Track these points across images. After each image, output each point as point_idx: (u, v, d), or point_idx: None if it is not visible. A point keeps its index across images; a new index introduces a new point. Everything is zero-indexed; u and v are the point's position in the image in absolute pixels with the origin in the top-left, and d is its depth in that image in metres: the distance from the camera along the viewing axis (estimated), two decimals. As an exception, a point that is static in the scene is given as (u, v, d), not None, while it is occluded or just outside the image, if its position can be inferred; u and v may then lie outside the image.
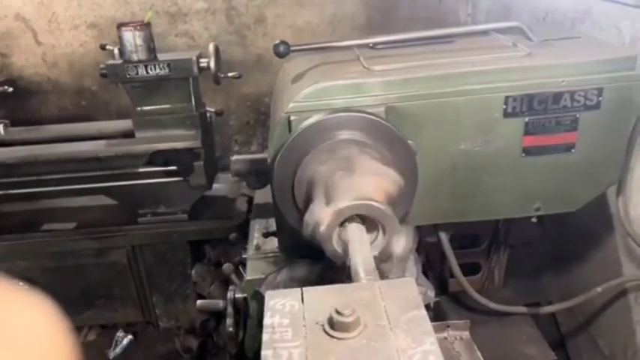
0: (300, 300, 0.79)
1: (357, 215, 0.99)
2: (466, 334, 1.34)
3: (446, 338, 1.34)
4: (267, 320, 0.75)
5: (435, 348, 0.69)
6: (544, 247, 1.95)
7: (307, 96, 1.26)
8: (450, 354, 1.28)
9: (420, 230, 1.55)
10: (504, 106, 1.29)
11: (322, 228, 0.97)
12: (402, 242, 1.11)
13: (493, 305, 1.67)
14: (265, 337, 0.73)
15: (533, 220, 1.46)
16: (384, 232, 1.00)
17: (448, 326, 1.34)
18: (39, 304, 0.53)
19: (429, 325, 0.74)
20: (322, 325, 0.73)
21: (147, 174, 2.22)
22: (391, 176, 1.05)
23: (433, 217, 1.43)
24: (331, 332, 0.72)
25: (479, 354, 1.28)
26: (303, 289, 0.81)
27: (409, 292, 0.80)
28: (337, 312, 0.72)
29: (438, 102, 1.28)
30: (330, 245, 0.99)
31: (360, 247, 0.94)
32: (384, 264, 1.03)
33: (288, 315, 0.76)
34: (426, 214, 1.40)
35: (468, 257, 1.89)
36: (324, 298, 0.78)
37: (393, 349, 0.69)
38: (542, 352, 1.82)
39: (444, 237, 1.54)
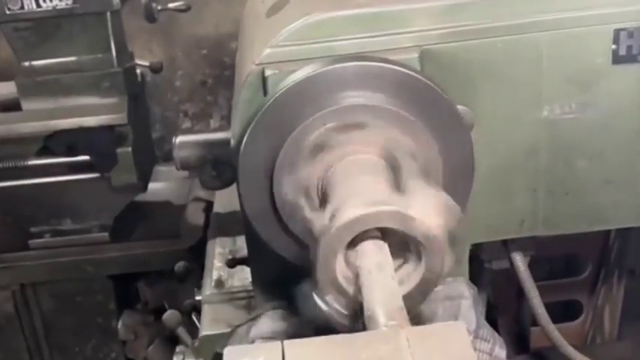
0: (281, 359, 0.80)
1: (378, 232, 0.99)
2: None
3: None
4: None
5: None
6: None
7: (292, 36, 1.25)
8: None
9: (481, 252, 1.54)
10: (614, 46, 1.28)
11: (321, 245, 0.96)
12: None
13: (602, 369, 1.67)
14: None
15: (666, 230, 1.45)
16: (420, 258, 0.99)
17: None
18: None
19: None
20: None
21: (41, 169, 2.23)
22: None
23: (501, 229, 1.43)
24: None
25: None
26: (285, 343, 0.82)
27: (457, 344, 0.80)
28: None
29: (504, 41, 1.27)
30: (331, 271, 0.98)
31: (378, 273, 0.94)
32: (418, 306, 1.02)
33: None
34: (489, 225, 1.39)
35: (561, 292, 1.90)
36: (317, 355, 0.79)
37: None
38: None
39: (520, 261, 1.54)
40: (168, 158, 2.61)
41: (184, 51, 2.91)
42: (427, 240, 0.98)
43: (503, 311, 1.90)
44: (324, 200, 1.08)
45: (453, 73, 1.26)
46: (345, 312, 0.99)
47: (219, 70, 2.95)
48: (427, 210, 0.99)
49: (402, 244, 1.01)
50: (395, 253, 1.01)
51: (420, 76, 1.20)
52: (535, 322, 1.72)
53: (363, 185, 1.05)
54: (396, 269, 1.00)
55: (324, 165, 1.12)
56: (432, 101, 1.19)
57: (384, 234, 1.00)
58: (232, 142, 1.31)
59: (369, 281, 0.94)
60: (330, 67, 1.19)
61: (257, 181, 1.20)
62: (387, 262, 0.97)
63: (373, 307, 0.89)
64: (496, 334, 1.47)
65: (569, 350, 1.66)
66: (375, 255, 0.98)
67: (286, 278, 1.28)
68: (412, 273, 1.01)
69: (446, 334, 0.82)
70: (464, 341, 0.81)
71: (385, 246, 1.00)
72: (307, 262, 1.19)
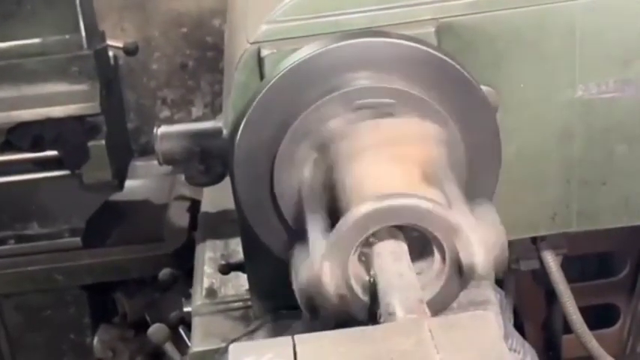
0: (292, 356, 0.80)
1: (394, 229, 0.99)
2: None
3: None
4: None
5: None
6: None
7: (294, 10, 1.25)
8: None
9: (509, 250, 1.54)
10: (657, 16, 1.28)
11: (338, 233, 0.96)
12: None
13: (644, 381, 1.68)
14: None
15: None
16: (444, 258, 0.99)
17: None
18: None
19: None
20: None
21: (3, 166, 2.23)
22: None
23: (531, 224, 1.43)
24: None
25: None
26: (297, 337, 0.83)
27: (484, 334, 0.81)
28: None
29: (532, 12, 1.27)
30: (343, 272, 0.98)
31: (393, 262, 0.96)
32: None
33: None
34: (517, 220, 1.39)
35: (597, 295, 1.90)
36: (332, 351, 0.80)
37: None
38: None
39: (551, 260, 1.55)
40: (145, 152, 2.62)
41: (161, 30, 2.91)
42: (467, 268, 0.98)
43: (531, 318, 1.91)
44: (333, 196, 1.08)
45: (475, 50, 1.27)
46: (359, 315, 1.01)
47: (202, 51, 2.96)
48: (476, 231, 0.99)
49: (424, 244, 1.01)
50: (414, 254, 1.01)
51: (438, 53, 1.20)
52: (568, 330, 1.73)
53: (384, 176, 1.05)
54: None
55: (335, 158, 1.12)
56: (452, 81, 1.19)
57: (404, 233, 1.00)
58: (225, 131, 1.31)
59: (383, 271, 0.95)
60: (336, 44, 1.18)
61: (255, 176, 1.20)
62: (403, 250, 0.98)
63: (390, 299, 0.91)
64: (526, 344, 1.48)
65: (608, 359, 1.66)
66: (390, 245, 0.99)
67: (288, 285, 1.28)
68: (434, 278, 1.01)
69: (473, 325, 0.83)
70: (493, 332, 0.82)
71: (403, 245, 1.00)
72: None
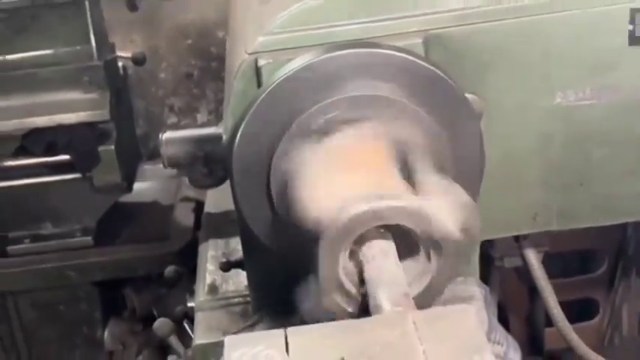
0: (284, 347, 0.81)
1: (382, 228, 0.99)
2: None
3: None
4: None
5: None
6: None
7: (288, 23, 1.25)
8: None
9: (492, 249, 1.54)
10: (630, 27, 1.28)
11: (332, 229, 0.96)
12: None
13: (622, 371, 1.68)
14: None
15: (687, 222, 1.45)
16: (429, 257, 1.00)
17: None
18: None
19: None
20: None
21: (19, 170, 2.22)
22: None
23: (514, 224, 1.43)
24: None
25: None
26: (288, 329, 0.83)
27: (465, 327, 0.82)
28: None
29: (514, 24, 1.27)
30: (334, 268, 0.98)
31: (381, 258, 0.96)
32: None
33: None
34: (500, 219, 1.40)
35: (576, 291, 1.90)
36: (322, 342, 0.81)
37: None
38: None
39: (533, 258, 1.55)
40: (153, 156, 2.61)
41: (168, 41, 2.91)
42: (444, 241, 0.98)
43: (514, 312, 1.91)
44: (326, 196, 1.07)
45: (460, 60, 1.26)
46: (350, 310, 1.00)
47: (206, 61, 2.95)
48: (442, 208, 0.99)
49: (410, 243, 1.01)
50: (402, 253, 1.00)
51: (425, 63, 1.20)
52: (549, 323, 1.73)
53: (369, 178, 1.04)
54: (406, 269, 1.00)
55: (326, 158, 1.12)
56: (438, 90, 1.19)
57: (391, 232, 1.00)
58: (225, 137, 1.30)
59: (372, 267, 0.96)
60: (329, 55, 1.18)
61: (253, 178, 1.20)
62: (390, 248, 0.98)
63: (377, 293, 0.91)
64: (510, 337, 1.47)
65: (587, 352, 1.66)
66: (378, 244, 0.99)
67: (285, 281, 1.28)
68: (421, 275, 1.01)
69: (454, 318, 0.84)
70: (473, 324, 0.82)
71: (392, 244, 1.00)
72: (307, 263, 1.19)
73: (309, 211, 1.05)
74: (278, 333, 0.83)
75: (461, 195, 1.03)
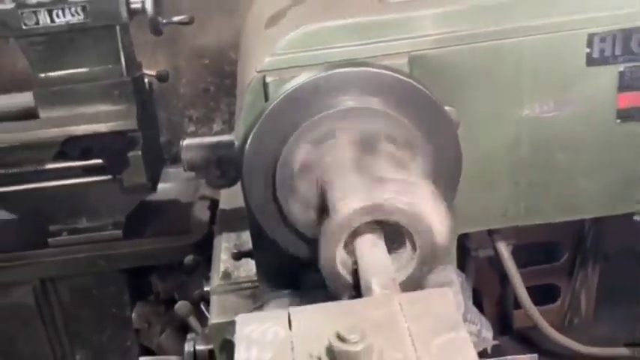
0: (287, 324, 0.82)
1: (373, 224, 1.00)
2: None
3: None
4: (240, 354, 0.79)
5: None
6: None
7: (291, 45, 1.25)
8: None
9: (468, 241, 1.53)
10: (588, 50, 1.28)
11: (332, 224, 0.97)
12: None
13: (580, 347, 1.67)
14: None
15: (637, 217, 1.45)
16: (414, 248, 1.00)
17: None
18: None
19: (472, 352, 0.77)
20: (319, 358, 0.76)
21: (58, 172, 2.22)
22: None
23: (487, 219, 1.43)
24: None
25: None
26: (291, 309, 0.84)
27: (443, 307, 0.83)
28: (340, 338, 0.74)
29: (487, 46, 1.27)
30: (331, 258, 0.99)
31: (371, 248, 0.97)
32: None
33: (271, 346, 0.79)
34: (476, 215, 1.39)
35: (541, 277, 1.89)
36: (320, 320, 0.81)
37: None
38: (654, 414, 1.82)
39: (503, 249, 1.54)
40: (175, 160, 2.61)
41: (188, 61, 2.91)
42: (420, 230, 0.98)
43: (487, 296, 1.90)
44: (323, 194, 1.09)
45: (440, 77, 1.26)
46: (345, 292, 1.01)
47: (220, 78, 2.95)
48: (427, 205, 0.99)
49: (398, 237, 1.01)
50: (390, 245, 1.01)
51: (410, 80, 1.20)
52: (517, 305, 1.74)
53: (363, 180, 1.04)
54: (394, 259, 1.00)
55: (321, 163, 1.13)
56: (421, 102, 1.19)
57: (382, 227, 1.00)
58: (236, 143, 1.30)
59: (364, 257, 0.96)
60: (326, 73, 1.19)
61: (260, 179, 1.20)
62: (379, 242, 0.99)
63: (368, 278, 0.92)
64: (483, 318, 1.48)
65: (550, 331, 1.66)
66: (369, 237, 0.99)
67: (288, 268, 1.28)
68: (406, 264, 1.02)
69: (433, 299, 0.85)
70: (450, 305, 0.84)
71: (381, 237, 1.01)
72: (307, 253, 1.19)
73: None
74: (282, 312, 0.84)
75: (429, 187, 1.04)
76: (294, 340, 0.79)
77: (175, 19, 2.20)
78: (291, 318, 0.83)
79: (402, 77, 1.19)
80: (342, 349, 0.73)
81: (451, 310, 0.82)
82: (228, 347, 1.46)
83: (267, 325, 0.82)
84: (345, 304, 0.87)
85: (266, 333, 0.81)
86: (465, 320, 1.34)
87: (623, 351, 1.78)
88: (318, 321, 0.81)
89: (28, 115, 2.24)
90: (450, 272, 1.38)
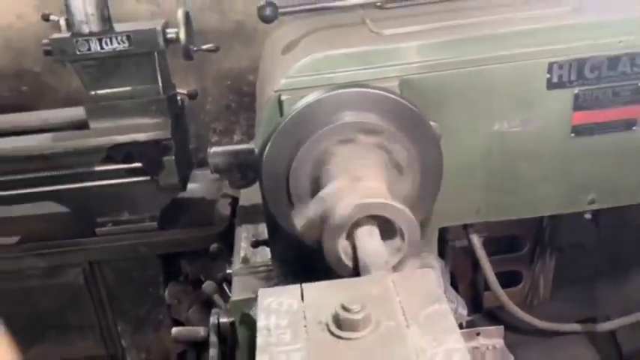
0: (300, 297, 0.83)
1: (370, 218, 1.00)
2: (500, 342, 1.41)
3: (476, 348, 1.40)
4: (261, 322, 0.80)
5: (460, 346, 0.72)
6: (600, 249, 1.94)
7: (302, 69, 1.25)
8: (481, 365, 1.32)
9: (447, 233, 1.54)
10: (548, 75, 1.28)
11: (337, 217, 0.98)
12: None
13: (539, 323, 1.67)
14: (260, 340, 0.76)
15: (587, 216, 1.46)
16: (403, 238, 1.01)
17: (478, 334, 1.41)
18: None
19: (452, 320, 0.77)
20: (326, 325, 0.77)
21: (105, 173, 2.21)
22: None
23: (462, 215, 1.43)
24: (337, 332, 0.75)
25: (516, 364, 1.31)
26: (303, 285, 0.85)
27: (428, 284, 0.84)
28: (344, 308, 0.75)
29: (464, 72, 1.27)
30: (335, 246, 0.99)
31: (369, 237, 0.97)
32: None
33: (286, 315, 0.80)
34: (453, 212, 1.39)
35: (507, 264, 1.89)
36: (327, 294, 0.82)
37: (411, 349, 0.73)
38: (600, 379, 1.82)
39: (476, 240, 1.54)
40: (202, 164, 2.60)
41: (213, 82, 2.90)
42: (405, 224, 0.99)
43: (462, 279, 1.90)
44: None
45: (425, 97, 1.27)
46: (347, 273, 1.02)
47: (240, 96, 2.94)
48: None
49: (390, 229, 1.02)
50: (384, 235, 1.02)
51: (400, 99, 1.20)
52: (487, 287, 1.73)
53: (362, 182, 1.05)
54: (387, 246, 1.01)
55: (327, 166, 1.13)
56: (409, 118, 1.20)
57: (377, 221, 1.01)
58: (256, 150, 1.30)
59: (362, 243, 0.97)
60: (331, 93, 1.19)
61: (276, 181, 1.21)
62: (375, 231, 1.00)
63: (365, 261, 0.93)
64: (459, 297, 1.47)
65: (514, 309, 1.66)
66: (366, 228, 1.00)
67: (298, 254, 1.28)
68: (397, 250, 1.03)
69: (419, 278, 0.86)
70: (433, 283, 0.85)
71: (375, 228, 1.01)
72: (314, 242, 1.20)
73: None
74: (296, 287, 0.85)
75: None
76: (306, 309, 0.80)
77: (204, 47, 2.19)
78: (304, 292, 0.84)
79: (394, 97, 1.20)
80: (346, 317, 0.75)
81: (434, 287, 0.83)
82: (247, 320, 1.46)
83: (284, 298, 0.83)
84: (347, 282, 0.88)
85: (282, 304, 0.82)
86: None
87: (574, 326, 1.78)
88: (325, 294, 0.82)
89: (80, 125, 2.24)
90: (431, 259, 1.37)
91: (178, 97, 2.33)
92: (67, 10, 2.07)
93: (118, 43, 2.08)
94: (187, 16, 2.10)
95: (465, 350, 0.72)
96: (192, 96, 2.38)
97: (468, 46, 1.27)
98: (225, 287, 1.82)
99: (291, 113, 1.18)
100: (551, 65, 1.28)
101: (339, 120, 1.17)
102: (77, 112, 2.26)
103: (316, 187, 1.13)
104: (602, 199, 1.40)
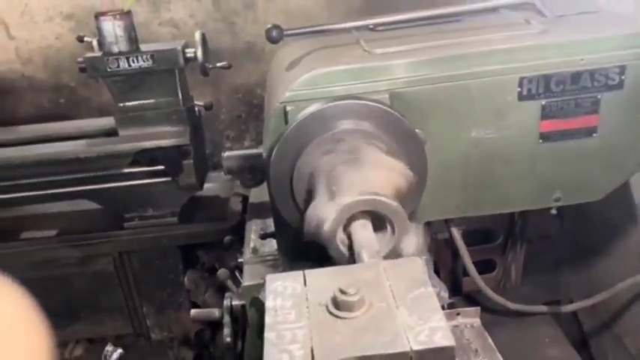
0: (303, 282, 0.83)
1: (364, 212, 0.99)
2: (477, 321, 1.42)
3: (456, 326, 1.41)
4: (269, 303, 0.80)
5: (443, 324, 0.72)
6: (564, 241, 1.94)
7: (304, 84, 1.25)
8: (460, 342, 1.34)
9: (430, 226, 1.54)
10: (519, 89, 1.28)
11: (326, 226, 0.97)
12: (412, 241, 1.12)
13: (511, 305, 1.67)
14: (268, 319, 0.77)
15: (553, 211, 1.46)
16: (393, 231, 1.00)
17: (458, 314, 1.41)
18: (15, 297, 0.53)
19: (436, 302, 0.77)
20: (326, 306, 0.77)
21: (132, 175, 2.21)
22: (400, 169, 1.04)
23: (444, 211, 1.42)
24: (335, 312, 0.76)
25: (490, 341, 1.34)
26: (306, 271, 0.85)
27: (415, 271, 0.84)
28: (341, 291, 0.76)
29: (446, 86, 1.27)
30: (335, 245, 0.98)
31: (362, 229, 0.97)
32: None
33: (291, 297, 0.80)
34: (436, 208, 1.39)
35: (483, 254, 1.89)
36: (326, 279, 0.82)
37: (400, 327, 0.73)
38: (564, 354, 1.82)
39: (456, 233, 1.53)
40: (216, 167, 2.60)
41: (226, 95, 2.89)
42: (395, 218, 0.99)
43: (444, 267, 1.91)
44: (330, 192, 1.07)
45: (412, 108, 1.26)
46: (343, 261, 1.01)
47: (250, 107, 2.93)
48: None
49: (381, 223, 1.02)
50: (378, 227, 1.01)
51: (390, 110, 1.20)
52: (466, 274, 1.73)
53: (352, 183, 1.04)
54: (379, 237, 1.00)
55: (328, 167, 1.12)
56: (398, 126, 1.20)
57: (370, 215, 1.00)
58: (264, 155, 1.30)
59: (357, 234, 0.97)
60: (330, 104, 1.20)
61: (282, 181, 1.21)
62: (369, 224, 0.99)
63: (360, 250, 0.93)
64: (441, 283, 1.47)
65: (490, 292, 1.65)
66: (361, 222, 1.00)
67: (301, 245, 1.28)
68: (388, 242, 1.02)
69: (407, 265, 0.86)
70: (420, 269, 0.84)
71: (369, 224, 1.00)
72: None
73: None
74: (299, 273, 0.85)
75: (396, 165, 1.07)
76: (308, 293, 0.80)
77: (218, 64, 2.19)
78: (306, 277, 0.84)
79: (384, 108, 1.20)
80: (343, 299, 0.75)
81: (421, 273, 0.83)
82: (256, 302, 1.45)
83: (288, 282, 0.83)
84: (344, 268, 0.88)
85: (287, 288, 0.82)
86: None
87: (541, 308, 1.78)
88: (325, 279, 0.82)
89: (110, 133, 2.23)
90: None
91: (196, 108, 2.33)
92: (99, 33, 2.07)
93: (144, 61, 2.08)
94: (204, 38, 2.10)
95: (446, 328, 0.72)
96: (208, 107, 2.38)
97: (450, 63, 1.27)
98: (237, 274, 1.82)
99: (294, 122, 1.19)
100: (521, 80, 1.28)
101: (336, 127, 1.17)
102: (108, 122, 2.26)
103: (311, 184, 1.12)
104: (566, 197, 1.39)
